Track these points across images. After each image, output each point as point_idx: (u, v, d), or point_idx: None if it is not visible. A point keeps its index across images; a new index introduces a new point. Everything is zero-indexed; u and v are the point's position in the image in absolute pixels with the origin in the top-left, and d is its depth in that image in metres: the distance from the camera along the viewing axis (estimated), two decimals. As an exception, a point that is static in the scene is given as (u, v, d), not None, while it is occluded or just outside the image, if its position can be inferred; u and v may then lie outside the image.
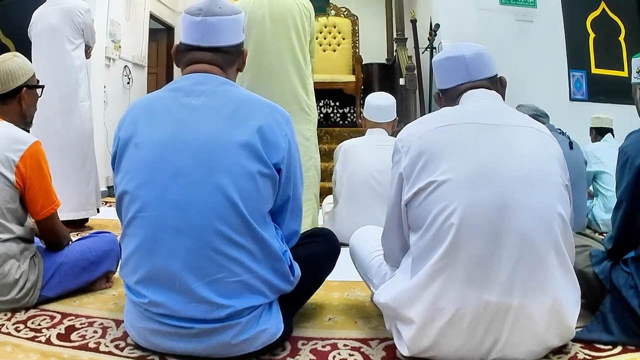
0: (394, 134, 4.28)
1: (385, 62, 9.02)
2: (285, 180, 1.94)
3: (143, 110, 1.96)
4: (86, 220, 4.64)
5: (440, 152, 1.78)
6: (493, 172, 1.73)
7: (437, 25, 6.74)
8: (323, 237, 2.37)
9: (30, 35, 4.56)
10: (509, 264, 1.67)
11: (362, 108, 4.40)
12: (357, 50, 8.94)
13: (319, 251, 2.28)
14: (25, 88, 2.68)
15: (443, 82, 2.11)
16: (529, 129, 1.89)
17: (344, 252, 2.46)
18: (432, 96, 6.80)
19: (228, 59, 2.03)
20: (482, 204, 1.69)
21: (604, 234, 4.80)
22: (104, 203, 5.65)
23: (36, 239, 2.62)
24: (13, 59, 2.66)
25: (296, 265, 2.01)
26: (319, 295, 2.52)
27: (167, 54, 9.85)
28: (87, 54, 4.76)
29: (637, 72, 2.41)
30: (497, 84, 2.07)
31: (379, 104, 4.25)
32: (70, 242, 2.72)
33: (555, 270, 1.73)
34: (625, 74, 7.38)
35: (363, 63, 8.65)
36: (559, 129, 4.32)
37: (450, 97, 2.07)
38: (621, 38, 7.59)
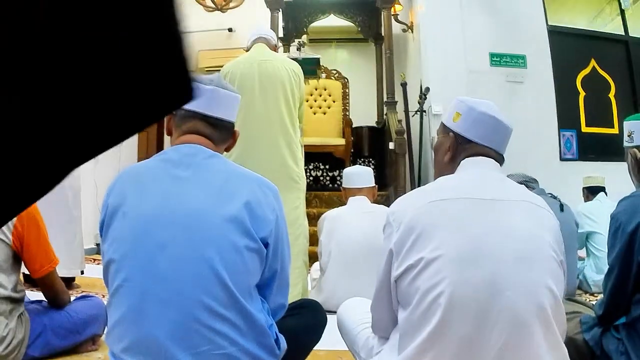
0: (376, 201, 4.34)
1: (375, 125, 9.07)
2: (273, 254, 1.92)
3: (132, 179, 1.95)
4: (72, 279, 4.54)
5: (431, 229, 1.73)
6: (484, 251, 1.68)
7: (427, 89, 6.80)
8: (309, 309, 2.35)
9: None
10: (498, 344, 1.61)
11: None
12: (347, 113, 8.97)
13: (305, 323, 2.26)
14: None
15: (472, 133, 1.95)
16: (524, 203, 1.84)
17: (332, 320, 2.43)
18: (422, 160, 6.84)
19: (224, 136, 2.04)
20: (472, 284, 1.64)
21: (595, 295, 4.79)
22: (92, 260, 5.61)
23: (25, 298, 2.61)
24: None
25: (282, 338, 1.98)
26: (306, 365, 2.46)
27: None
28: None
29: (628, 136, 2.42)
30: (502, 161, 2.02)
31: (357, 171, 4.44)
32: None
33: (544, 350, 1.67)
34: (615, 130, 7.45)
35: (353, 126, 8.68)
36: (550, 193, 4.34)
37: (463, 149, 1.96)
38: (611, 95, 7.69)
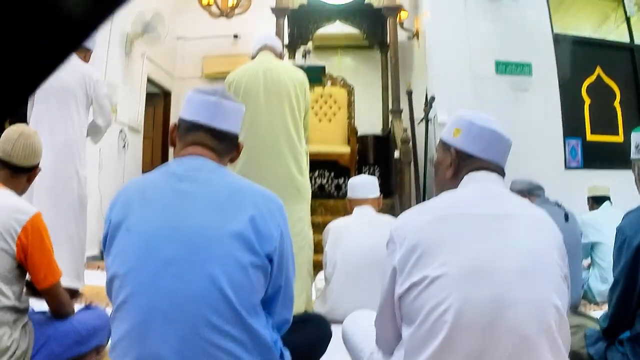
0: (381, 210, 4.35)
1: (380, 133, 9.04)
2: (277, 270, 1.90)
3: (136, 193, 1.93)
4: (77, 291, 4.43)
5: (435, 246, 1.72)
6: (488, 267, 1.68)
7: (433, 98, 6.77)
8: (314, 323, 2.35)
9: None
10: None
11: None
12: (353, 121, 8.95)
13: (310, 337, 2.25)
14: (37, 167, 2.74)
15: (474, 147, 1.95)
16: (527, 217, 1.84)
17: (337, 330, 2.42)
18: (427, 169, 6.83)
19: (228, 148, 2.02)
20: (477, 301, 1.64)
21: (599, 305, 4.77)
22: (97, 267, 5.58)
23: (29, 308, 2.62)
24: (37, 135, 2.70)
25: (287, 354, 1.97)
26: (311, 378, 2.45)
27: (163, 119, 9.90)
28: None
29: (635, 148, 2.41)
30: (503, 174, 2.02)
31: (362, 181, 4.42)
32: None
33: None
34: (620, 139, 7.44)
35: (358, 134, 8.65)
36: (555, 202, 4.31)
37: (465, 164, 1.96)
38: (616, 103, 7.67)
